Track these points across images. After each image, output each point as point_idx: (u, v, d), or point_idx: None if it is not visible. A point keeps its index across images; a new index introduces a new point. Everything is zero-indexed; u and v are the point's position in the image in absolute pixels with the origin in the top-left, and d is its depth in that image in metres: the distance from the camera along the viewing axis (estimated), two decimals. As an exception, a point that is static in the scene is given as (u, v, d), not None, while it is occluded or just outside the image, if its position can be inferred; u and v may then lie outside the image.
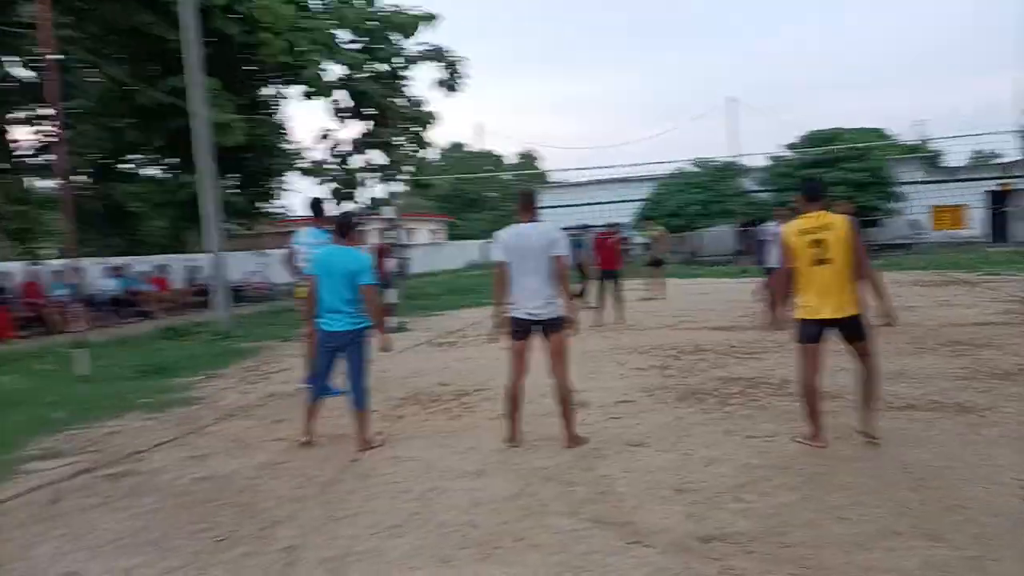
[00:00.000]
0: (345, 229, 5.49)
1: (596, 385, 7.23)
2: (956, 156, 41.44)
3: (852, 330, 4.82)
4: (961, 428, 5.17)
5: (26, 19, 18.09)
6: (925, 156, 33.21)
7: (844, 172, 28.10)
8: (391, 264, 12.39)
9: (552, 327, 5.09)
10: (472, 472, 4.75)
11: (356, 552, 3.61)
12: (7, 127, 19.48)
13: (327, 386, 5.61)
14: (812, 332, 4.84)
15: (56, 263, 15.56)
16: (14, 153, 20.04)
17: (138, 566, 3.57)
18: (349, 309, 5.28)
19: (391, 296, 12.43)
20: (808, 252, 4.76)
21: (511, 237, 5.12)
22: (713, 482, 4.34)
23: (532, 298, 5.04)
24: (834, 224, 4.77)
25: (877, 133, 38.28)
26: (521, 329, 5.15)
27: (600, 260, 12.17)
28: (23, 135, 23.09)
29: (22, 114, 20.19)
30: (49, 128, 20.24)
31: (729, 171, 30.29)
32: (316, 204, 7.38)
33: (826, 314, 4.74)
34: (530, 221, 5.18)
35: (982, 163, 38.05)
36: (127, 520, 4.17)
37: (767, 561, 3.29)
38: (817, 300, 4.75)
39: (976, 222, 30.67)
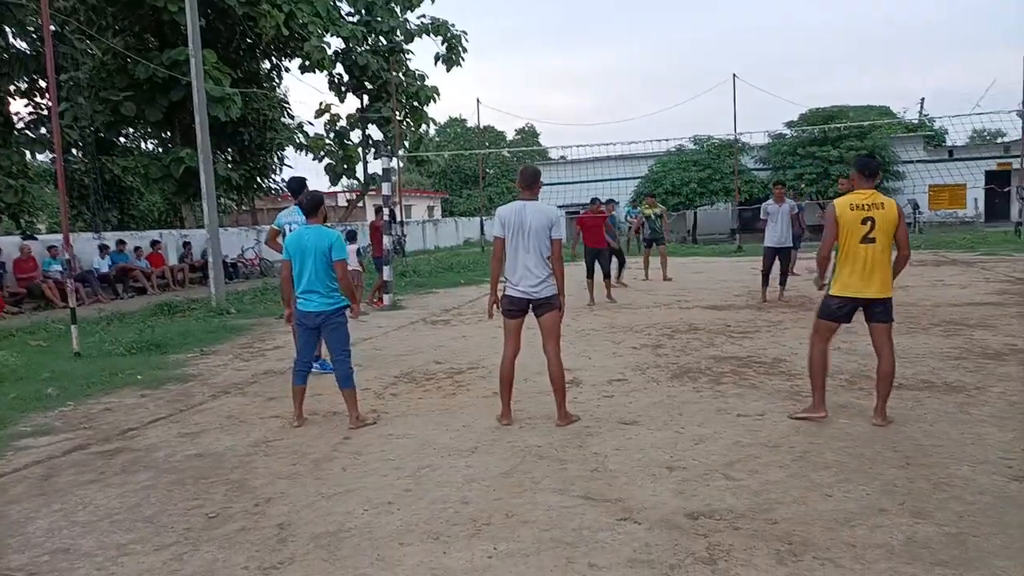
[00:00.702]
0: (311, 208, 5.48)
1: (590, 364, 7.27)
2: (958, 135, 41.23)
3: (883, 311, 4.82)
4: (950, 407, 5.21)
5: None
6: (926, 135, 33.06)
7: (844, 151, 28.00)
8: (387, 241, 12.32)
9: (544, 306, 5.10)
10: (465, 450, 4.78)
11: (348, 528, 3.64)
12: (4, 99, 19.33)
13: (311, 365, 5.63)
14: (842, 312, 4.85)
15: (50, 238, 15.50)
16: (11, 126, 19.91)
17: (131, 542, 3.59)
18: (323, 289, 5.31)
19: (387, 273, 12.40)
20: (858, 229, 4.73)
21: (511, 214, 5.10)
22: (703, 460, 4.38)
23: (527, 276, 5.05)
24: (885, 204, 4.76)
25: (879, 111, 38.09)
26: (515, 308, 5.16)
27: (586, 238, 12.01)
28: (20, 108, 22.96)
29: (21, 86, 20.04)
30: (45, 101, 20.15)
31: (728, 148, 30.13)
32: (296, 183, 7.00)
33: (869, 293, 4.75)
34: (531, 199, 5.16)
35: (984, 143, 37.91)
36: (121, 497, 4.20)
37: (753, 537, 3.32)
38: (859, 279, 4.74)
39: (975, 201, 30.68)
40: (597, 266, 11.94)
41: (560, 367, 5.21)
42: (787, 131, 31.67)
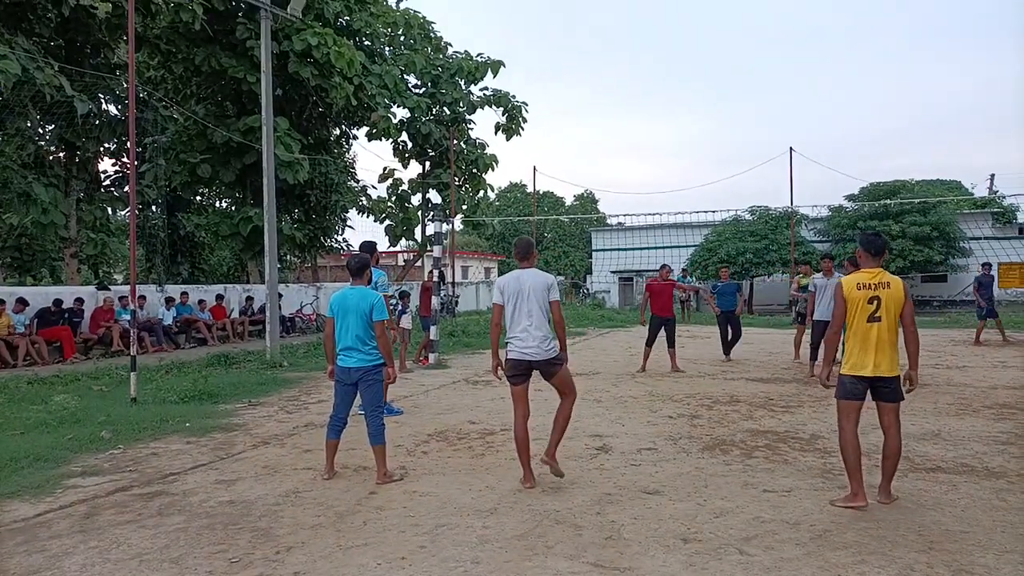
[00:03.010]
0: (357, 271, 5.77)
1: (623, 431, 7.27)
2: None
3: (891, 391, 4.78)
4: (986, 493, 5.03)
5: (120, 61, 19.55)
6: (995, 212, 32.16)
7: (906, 225, 27.46)
8: (435, 302, 12.63)
9: (550, 369, 5.31)
10: (485, 510, 4.85)
11: (359, 581, 3.75)
12: (95, 159, 20.79)
13: (346, 421, 5.79)
14: (858, 389, 4.80)
15: (123, 288, 16.39)
16: (98, 183, 21.35)
17: (156, 581, 3.78)
18: (363, 347, 5.55)
19: (433, 333, 12.67)
20: (865, 308, 4.75)
21: (509, 282, 5.40)
22: (720, 534, 4.34)
23: (527, 338, 5.27)
24: (892, 283, 4.79)
25: (949, 186, 37.30)
26: (517, 372, 5.36)
27: (654, 305, 11.86)
28: (108, 166, 24.62)
29: (110, 147, 21.56)
30: (128, 161, 21.58)
31: (786, 220, 29.89)
32: (367, 247, 7.88)
33: (872, 371, 4.72)
34: (528, 268, 5.43)
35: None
36: (153, 538, 4.41)
37: (757, 615, 3.29)
38: (866, 356, 4.73)
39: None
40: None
41: (568, 415, 5.41)
42: (847, 204, 31.28)
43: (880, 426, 4.92)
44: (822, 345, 10.88)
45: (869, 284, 4.79)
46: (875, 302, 4.74)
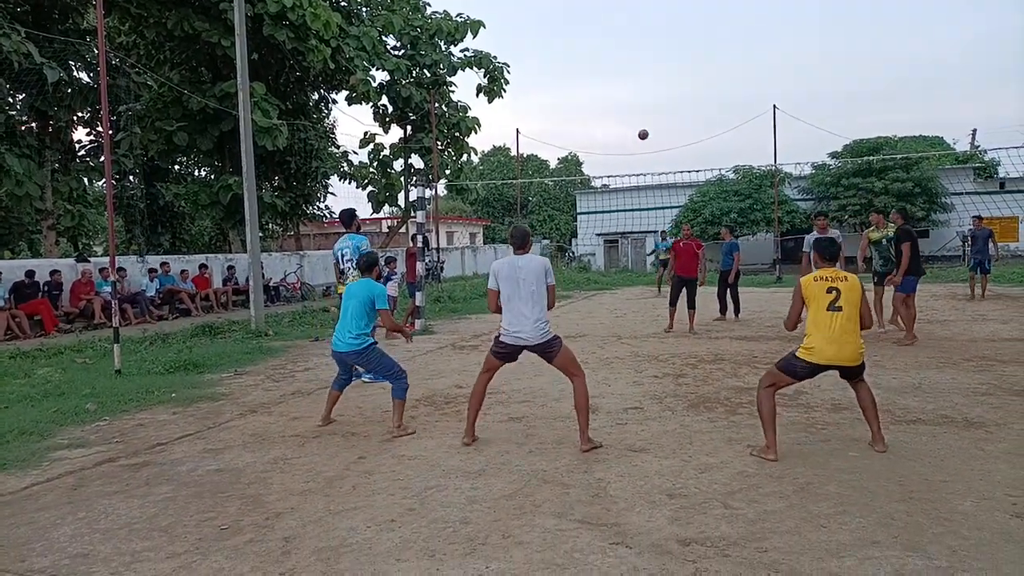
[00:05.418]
0: (367, 267, 6.20)
1: (609, 391, 7.33)
2: (1013, 166, 40.10)
3: (854, 374, 5.03)
4: (965, 443, 5.13)
5: (89, 26, 19.06)
6: (976, 167, 32.29)
7: (889, 182, 27.55)
8: (420, 267, 12.59)
9: (549, 351, 5.34)
10: (473, 472, 4.89)
11: (349, 544, 3.78)
12: (69, 128, 20.37)
13: (350, 380, 6.34)
14: (806, 373, 4.97)
15: (103, 260, 16.19)
16: (73, 154, 20.95)
17: (146, 549, 3.79)
18: (356, 330, 5.90)
19: (419, 299, 12.65)
20: (824, 297, 4.91)
21: (505, 267, 5.43)
22: (705, 488, 4.41)
23: (521, 321, 5.29)
24: (848, 278, 4.97)
25: (931, 142, 37.38)
26: (504, 351, 5.43)
27: (677, 265, 11.85)
28: (83, 136, 24.17)
29: (84, 116, 21.11)
30: (102, 130, 21.17)
31: (770, 179, 29.91)
32: (347, 215, 8.20)
33: (842, 361, 4.87)
34: (523, 255, 5.47)
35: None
36: (141, 507, 4.41)
37: (741, 565, 3.35)
38: (826, 345, 4.84)
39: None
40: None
41: (586, 399, 5.37)
42: (831, 161, 31.29)
43: (851, 388, 5.17)
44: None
45: (827, 278, 4.99)
46: (833, 292, 4.90)
